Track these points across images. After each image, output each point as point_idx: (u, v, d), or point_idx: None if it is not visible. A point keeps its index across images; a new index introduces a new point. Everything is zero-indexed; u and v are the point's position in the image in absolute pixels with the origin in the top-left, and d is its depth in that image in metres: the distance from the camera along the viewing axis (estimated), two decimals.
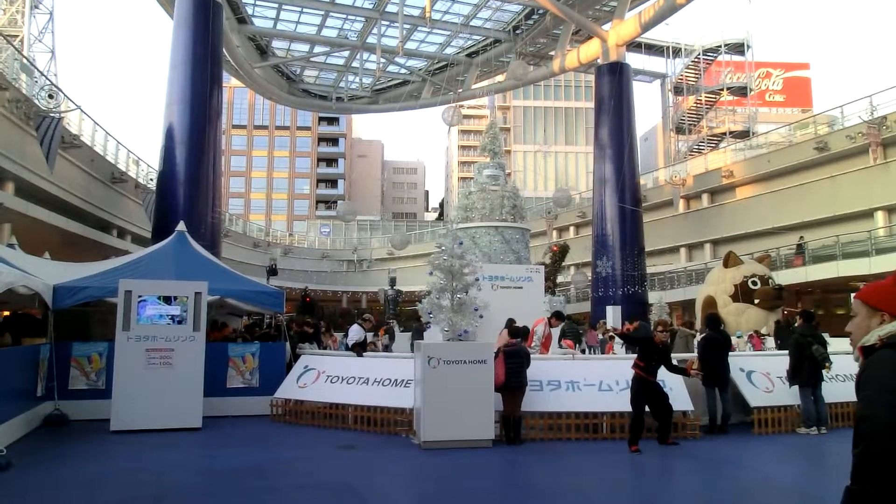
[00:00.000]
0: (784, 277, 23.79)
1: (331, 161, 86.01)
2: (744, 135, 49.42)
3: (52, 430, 9.93)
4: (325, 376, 11.14)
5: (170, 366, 10.15)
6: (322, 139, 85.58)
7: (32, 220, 19.58)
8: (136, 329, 10.14)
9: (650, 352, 9.01)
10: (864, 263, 22.38)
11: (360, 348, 12.14)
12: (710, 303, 20.31)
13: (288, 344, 12.66)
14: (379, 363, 11.27)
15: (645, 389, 8.88)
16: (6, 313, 12.75)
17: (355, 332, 13.01)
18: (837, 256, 24.18)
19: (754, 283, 19.81)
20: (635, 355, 9.42)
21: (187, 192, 21.98)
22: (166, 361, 10.16)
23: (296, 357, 12.25)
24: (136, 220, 27.53)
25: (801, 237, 25.38)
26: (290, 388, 11.25)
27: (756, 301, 19.50)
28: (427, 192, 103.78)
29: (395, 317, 27.23)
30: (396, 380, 10.43)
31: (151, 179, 28.33)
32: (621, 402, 9.63)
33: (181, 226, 13.69)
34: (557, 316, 12.87)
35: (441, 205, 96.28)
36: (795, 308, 19.08)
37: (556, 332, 12.75)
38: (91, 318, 13.33)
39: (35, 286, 9.92)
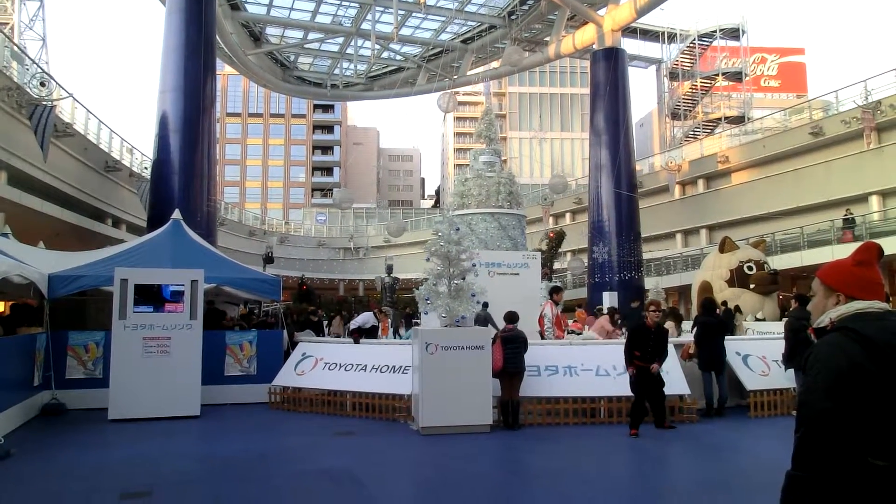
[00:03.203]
0: (779, 262, 23.87)
1: (326, 149, 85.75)
2: (739, 120, 49.37)
3: (49, 420, 9.94)
4: (323, 363, 11.16)
5: (167, 354, 10.15)
6: (317, 127, 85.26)
7: (26, 210, 19.48)
8: (132, 318, 10.12)
9: (643, 339, 8.94)
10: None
11: (357, 334, 12.13)
12: (706, 288, 20.37)
13: (285, 331, 12.66)
14: (376, 350, 11.29)
15: (642, 376, 8.85)
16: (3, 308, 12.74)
17: (361, 318, 13.00)
18: (832, 241, 24.24)
19: (750, 269, 19.88)
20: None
21: (182, 181, 21.86)
22: (163, 350, 10.16)
23: (293, 345, 12.27)
24: (130, 209, 27.40)
25: (848, 210, 24.92)
26: (288, 376, 11.26)
27: (752, 286, 19.58)
28: (423, 180, 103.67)
29: (392, 304, 27.21)
30: (394, 366, 10.45)
31: (146, 168, 28.17)
32: (619, 387, 9.67)
33: (177, 214, 13.63)
34: (556, 290, 12.92)
35: (437, 192, 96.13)
36: (790, 293, 19.12)
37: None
38: (87, 307, 13.29)
39: (30, 275, 9.88)
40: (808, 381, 2.00)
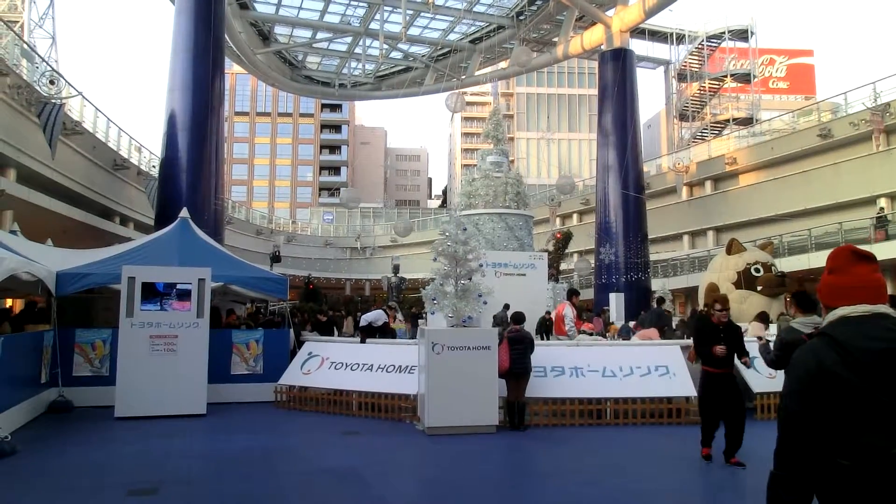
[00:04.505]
0: (787, 264, 23.73)
1: (334, 148, 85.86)
2: (747, 122, 49.15)
3: (56, 417, 9.97)
4: (329, 363, 11.16)
5: (174, 352, 10.17)
6: (325, 126, 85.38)
7: (34, 207, 19.55)
8: (139, 316, 10.15)
9: (710, 338, 7.27)
10: (866, 249, 22.32)
11: (364, 333, 12.11)
12: (713, 290, 20.21)
13: (292, 331, 12.67)
14: (383, 349, 11.29)
15: (712, 385, 7.24)
16: (11, 303, 12.79)
17: (373, 315, 12.98)
18: (840, 243, 24.10)
19: (757, 271, 19.75)
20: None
21: (190, 180, 21.92)
22: (170, 348, 10.18)
23: (300, 344, 12.28)
24: (138, 208, 27.49)
25: (882, 209, 24.63)
26: (295, 375, 11.27)
27: (759, 288, 19.44)
28: (430, 180, 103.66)
29: (399, 304, 27.22)
30: (400, 366, 10.45)
31: (154, 166, 28.26)
32: (624, 388, 9.65)
33: (184, 212, 13.66)
34: (574, 293, 12.91)
35: (444, 192, 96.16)
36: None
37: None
38: (94, 304, 13.34)
39: (38, 273, 9.92)
40: (784, 383, 2.12)
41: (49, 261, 11.03)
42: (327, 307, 19.14)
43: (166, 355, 10.15)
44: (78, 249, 14.31)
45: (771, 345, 7.51)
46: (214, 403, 10.52)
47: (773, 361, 6.13)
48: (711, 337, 7.22)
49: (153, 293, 10.29)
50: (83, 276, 11.08)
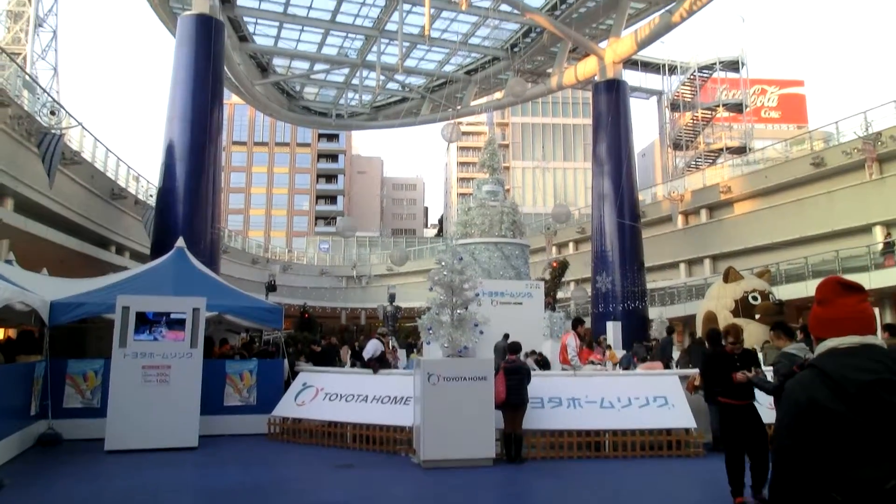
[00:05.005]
0: (784, 292, 23.74)
1: (330, 177, 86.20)
2: (740, 151, 49.61)
3: (45, 450, 9.81)
4: (324, 393, 11.04)
5: (166, 383, 10.05)
6: (322, 155, 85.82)
7: (31, 237, 19.51)
8: (132, 346, 10.05)
9: (724, 369, 6.92)
10: (864, 278, 22.33)
11: (377, 364, 11.98)
12: (711, 318, 20.21)
13: (286, 361, 12.56)
14: (378, 380, 11.18)
15: (734, 418, 6.81)
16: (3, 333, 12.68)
17: (373, 347, 12.86)
18: (837, 271, 24.13)
19: (755, 298, 19.75)
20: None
21: (187, 209, 21.96)
22: (163, 378, 10.06)
23: (294, 374, 12.16)
24: (134, 237, 27.47)
25: (889, 234, 24.57)
26: (288, 406, 11.14)
27: (757, 316, 19.42)
28: (426, 209, 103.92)
29: (394, 333, 27.08)
30: (396, 397, 10.34)
31: (151, 195, 28.32)
32: (623, 420, 9.54)
33: (180, 242, 13.64)
34: (580, 322, 12.82)
35: (440, 221, 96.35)
36: (797, 323, 18.97)
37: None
38: (88, 334, 13.23)
39: (32, 302, 9.85)
40: (777, 417, 2.12)
41: (44, 290, 10.96)
42: (321, 336, 19.01)
43: (159, 386, 10.02)
44: (73, 279, 14.24)
45: (769, 375, 7.49)
46: (207, 436, 10.37)
47: (776, 389, 6.08)
48: (727, 366, 6.86)
49: (143, 321, 10.21)
50: (77, 306, 11.01)
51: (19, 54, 64.64)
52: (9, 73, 20.77)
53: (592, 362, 12.53)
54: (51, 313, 10.62)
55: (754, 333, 19.13)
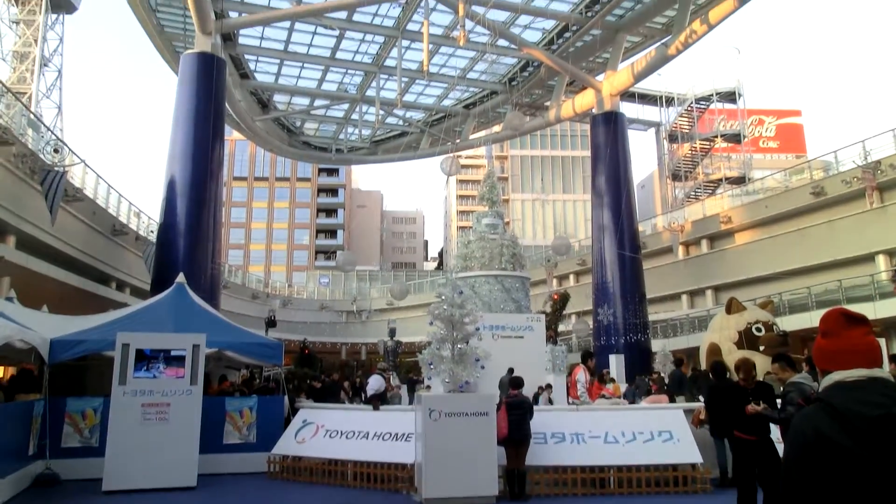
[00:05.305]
0: (788, 323, 23.60)
1: (330, 212, 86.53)
2: (740, 181, 49.82)
3: (42, 491, 9.67)
4: (324, 430, 10.92)
5: (165, 421, 9.94)
6: (322, 190, 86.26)
7: (32, 273, 19.52)
8: (132, 383, 9.97)
9: (735, 402, 6.82)
10: (868, 308, 22.23)
11: (377, 401, 11.88)
12: (715, 350, 20.06)
13: (286, 397, 12.45)
14: (379, 416, 11.06)
15: (748, 454, 6.67)
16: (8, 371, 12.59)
17: (375, 383, 12.75)
18: (841, 301, 24.03)
19: (758, 330, 19.60)
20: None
21: (187, 244, 22.00)
22: (162, 416, 9.96)
23: (294, 411, 12.04)
24: (135, 273, 27.46)
25: (894, 262, 24.44)
26: (289, 444, 11.00)
27: (761, 348, 19.27)
28: (426, 242, 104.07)
29: (395, 368, 26.87)
30: (397, 433, 10.21)
31: (152, 231, 28.40)
32: (628, 455, 9.41)
33: (181, 277, 13.62)
34: (589, 356, 12.69)
35: (440, 254, 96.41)
36: (801, 354, 18.81)
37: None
38: (87, 372, 13.15)
39: (32, 340, 9.81)
40: (784, 451, 2.09)
41: (44, 328, 10.93)
42: (321, 372, 18.89)
43: (158, 424, 9.91)
44: (73, 316, 14.19)
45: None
46: (206, 475, 10.22)
47: (785, 419, 5.99)
48: (740, 400, 6.75)
49: (140, 357, 10.14)
50: (77, 343, 10.96)
51: (24, 93, 65.48)
52: (14, 112, 20.98)
53: (604, 396, 12.41)
54: (51, 351, 10.56)
55: (759, 365, 18.97)
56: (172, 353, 10.31)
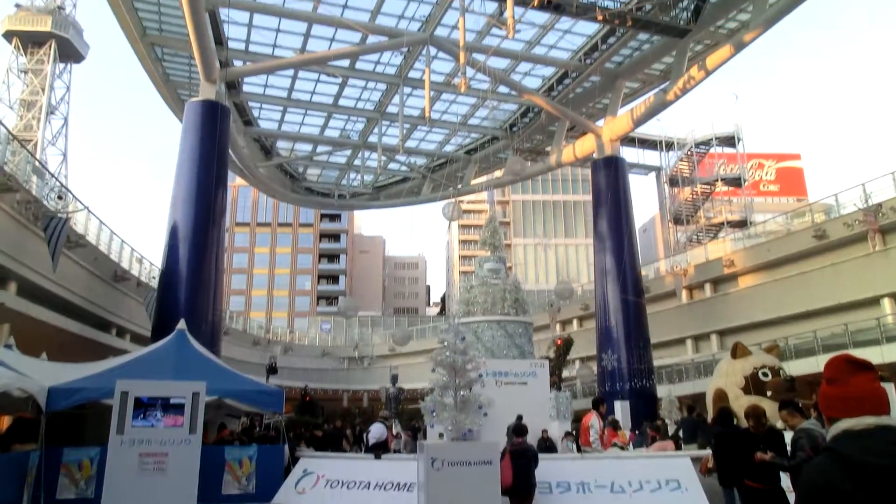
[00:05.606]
0: (795, 368, 23.30)
1: (332, 257, 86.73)
2: (741, 224, 49.98)
3: None
4: (325, 480, 10.69)
5: (163, 471, 9.72)
6: (324, 235, 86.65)
7: (32, 320, 19.43)
8: (130, 432, 9.79)
9: (746, 449, 6.70)
10: (875, 352, 21.99)
11: (379, 450, 11.65)
12: (722, 396, 19.72)
13: (286, 446, 12.23)
14: (382, 465, 10.84)
15: (759, 503, 6.56)
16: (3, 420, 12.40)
17: (377, 431, 12.54)
18: (848, 345, 23.79)
19: (765, 375, 19.30)
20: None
21: (189, 291, 21.96)
22: (160, 466, 9.74)
23: (294, 460, 11.81)
24: (136, 319, 27.34)
25: None
26: (289, 495, 10.76)
27: (769, 393, 18.98)
28: (428, 287, 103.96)
29: (398, 415, 26.49)
30: (399, 483, 9.99)
31: (154, 277, 28.38)
32: None
33: (181, 324, 13.52)
34: (601, 402, 12.52)
35: (443, 299, 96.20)
36: (810, 400, 18.53)
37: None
38: (85, 420, 12.94)
39: (29, 388, 9.67)
40: (794, 501, 2.07)
41: (42, 375, 10.80)
42: (323, 420, 18.61)
43: (155, 475, 9.68)
44: (72, 363, 14.06)
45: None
46: None
47: (795, 466, 5.86)
48: (750, 447, 6.60)
49: (137, 405, 9.98)
50: (76, 391, 10.79)
51: (30, 140, 66.40)
52: (19, 159, 21.21)
53: (616, 444, 12.18)
54: (48, 399, 10.40)
55: (767, 411, 18.64)
56: (172, 401, 10.15)
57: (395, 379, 32.48)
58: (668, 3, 22.64)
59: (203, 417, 10.53)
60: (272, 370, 32.16)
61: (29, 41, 77.52)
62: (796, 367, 23.62)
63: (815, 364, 24.39)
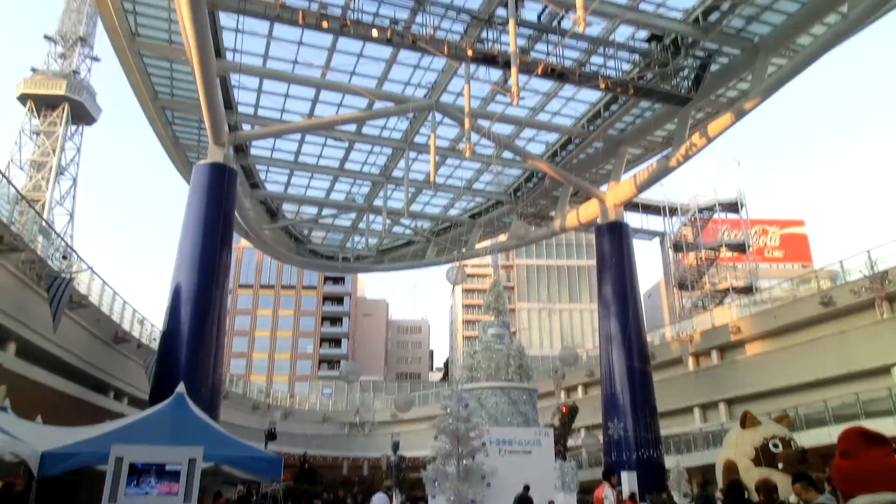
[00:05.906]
0: (807, 438, 22.70)
1: (335, 320, 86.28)
2: (747, 290, 49.72)
3: None
4: None
5: None
6: (327, 298, 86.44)
7: (30, 382, 19.19)
8: (122, 501, 9.45)
9: None
10: (888, 423, 21.47)
11: None
12: (731, 468, 19.10)
13: None
14: None
15: None
16: None
17: (379, 501, 12.13)
18: (860, 415, 23.25)
19: (776, 446, 18.76)
20: None
21: (189, 353, 21.72)
22: None
23: None
24: (134, 382, 27.02)
25: None
26: None
27: (780, 465, 18.44)
28: (431, 352, 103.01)
29: (399, 484, 25.74)
30: None
31: (154, 339, 28.17)
32: None
33: (181, 387, 13.28)
34: (611, 472, 12.18)
35: (446, 364, 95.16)
36: (823, 473, 17.98)
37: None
38: (79, 487, 12.55)
39: (22, 453, 9.41)
40: None
41: (36, 439, 10.53)
42: (322, 489, 18.09)
43: None
44: (67, 427, 13.76)
45: None
46: None
47: None
48: None
49: (132, 471, 9.67)
50: (70, 457, 10.50)
51: (38, 201, 67.23)
52: (26, 219, 21.40)
53: None
54: (41, 464, 10.10)
55: (780, 484, 18.06)
56: (167, 467, 9.84)
57: (396, 446, 31.73)
58: (670, 73, 23.13)
59: (199, 485, 10.21)
60: (271, 436, 31.49)
61: (43, 104, 79.56)
62: (807, 438, 23.02)
63: (826, 435, 23.79)
